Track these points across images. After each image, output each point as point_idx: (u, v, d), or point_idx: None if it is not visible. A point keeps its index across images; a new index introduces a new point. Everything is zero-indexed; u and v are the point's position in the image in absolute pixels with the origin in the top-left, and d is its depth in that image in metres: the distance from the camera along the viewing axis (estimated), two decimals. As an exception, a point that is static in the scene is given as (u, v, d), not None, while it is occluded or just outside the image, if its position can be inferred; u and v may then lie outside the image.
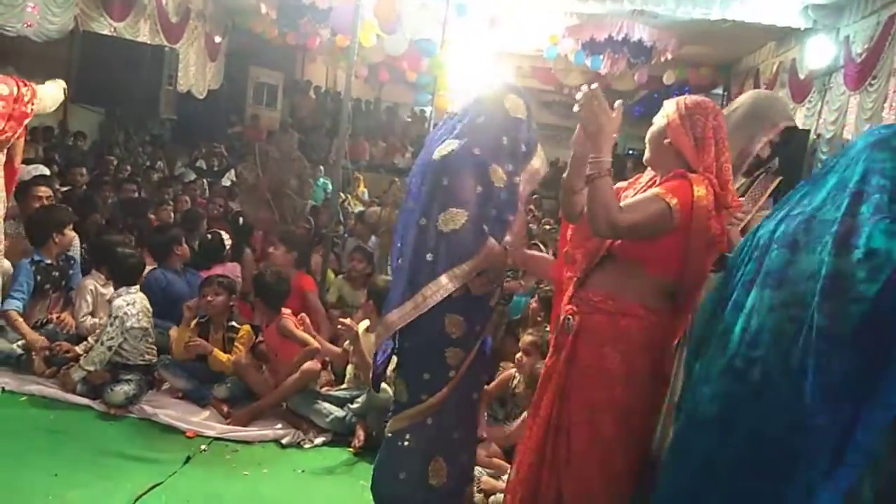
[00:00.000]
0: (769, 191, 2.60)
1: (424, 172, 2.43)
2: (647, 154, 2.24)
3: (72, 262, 4.30)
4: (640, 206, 2.04)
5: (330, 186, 9.59)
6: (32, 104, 3.47)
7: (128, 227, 5.45)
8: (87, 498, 2.78)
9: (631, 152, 13.11)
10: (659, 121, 2.18)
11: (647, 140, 2.22)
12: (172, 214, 6.15)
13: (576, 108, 2.09)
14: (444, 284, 2.33)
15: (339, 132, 4.73)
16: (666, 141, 2.15)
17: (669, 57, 9.32)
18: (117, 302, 3.75)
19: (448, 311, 2.37)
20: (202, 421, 3.58)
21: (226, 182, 9.21)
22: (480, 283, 2.40)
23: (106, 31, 9.04)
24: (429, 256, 2.34)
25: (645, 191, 2.21)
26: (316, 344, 3.85)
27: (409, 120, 15.23)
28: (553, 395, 2.17)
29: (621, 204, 2.06)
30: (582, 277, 2.19)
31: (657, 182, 2.19)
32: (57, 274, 4.17)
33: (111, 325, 3.70)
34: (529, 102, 2.52)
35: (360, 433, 3.56)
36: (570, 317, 2.18)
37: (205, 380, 3.82)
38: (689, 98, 2.19)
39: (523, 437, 2.32)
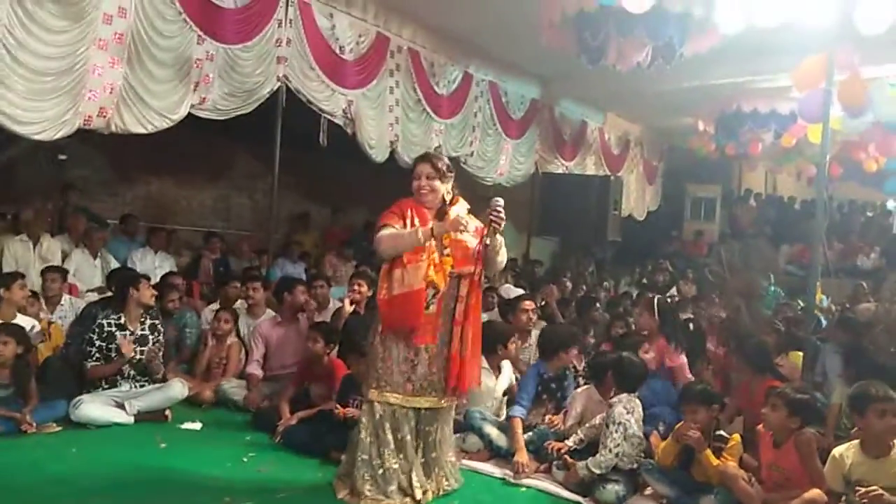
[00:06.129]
0: None
1: None
2: None
3: (567, 372, 4.79)
4: None
5: (781, 293, 8.97)
6: None
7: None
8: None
9: None
10: None
11: None
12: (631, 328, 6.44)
13: None
14: None
15: (814, 237, 4.50)
16: None
17: None
18: (618, 409, 3.94)
19: None
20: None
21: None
22: None
23: (559, 171, 10.33)
24: None
25: None
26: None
27: (870, 216, 13.59)
28: None
29: None
30: None
31: None
32: (554, 385, 4.68)
33: (615, 431, 3.88)
34: None
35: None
36: None
37: (687, 488, 3.74)
38: None
39: None
